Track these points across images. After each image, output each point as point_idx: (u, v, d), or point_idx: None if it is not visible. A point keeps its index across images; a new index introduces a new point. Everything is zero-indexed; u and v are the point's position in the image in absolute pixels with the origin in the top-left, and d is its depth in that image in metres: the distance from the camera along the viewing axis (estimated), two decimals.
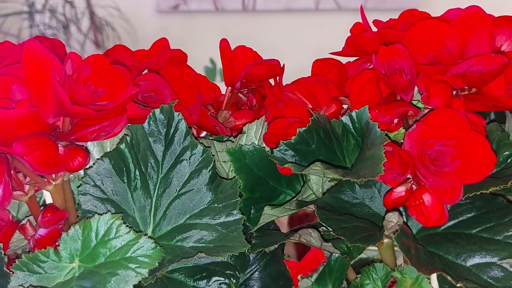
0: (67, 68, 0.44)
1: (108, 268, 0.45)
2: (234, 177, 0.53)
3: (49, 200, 0.50)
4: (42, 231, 0.48)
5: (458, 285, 0.46)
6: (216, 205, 0.51)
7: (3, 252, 0.47)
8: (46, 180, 0.48)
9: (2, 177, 0.43)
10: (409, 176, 0.49)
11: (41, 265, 0.45)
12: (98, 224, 0.46)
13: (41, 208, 0.51)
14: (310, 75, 0.60)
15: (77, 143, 0.46)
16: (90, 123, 0.44)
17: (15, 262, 0.46)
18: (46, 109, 0.42)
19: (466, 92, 0.50)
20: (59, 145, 0.45)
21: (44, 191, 0.50)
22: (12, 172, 0.45)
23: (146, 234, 0.47)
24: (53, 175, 0.48)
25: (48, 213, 0.48)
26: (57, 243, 0.46)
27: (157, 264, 0.46)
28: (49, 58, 0.42)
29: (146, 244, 0.46)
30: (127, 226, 0.46)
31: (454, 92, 0.50)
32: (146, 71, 0.60)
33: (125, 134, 0.52)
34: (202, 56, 2.44)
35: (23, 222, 0.50)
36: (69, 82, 0.43)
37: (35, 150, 0.41)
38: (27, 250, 0.52)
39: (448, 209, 0.49)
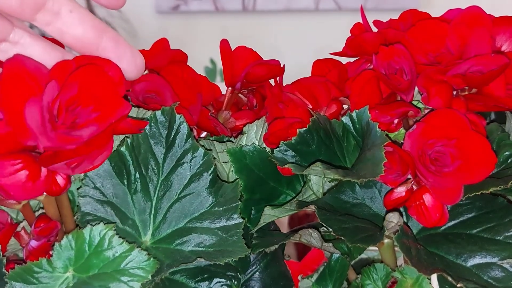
0: (50, 90, 0.40)
1: (101, 280, 0.45)
2: (235, 180, 0.52)
3: None
4: (34, 243, 0.47)
5: (458, 285, 0.46)
6: (216, 208, 0.51)
7: (1, 254, 0.47)
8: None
9: None
10: (409, 176, 0.49)
11: (35, 275, 0.45)
12: (91, 234, 0.45)
13: (38, 211, 0.51)
14: (310, 75, 0.60)
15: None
16: (67, 156, 0.41)
17: (15, 263, 0.46)
18: (21, 136, 0.40)
19: (467, 92, 0.50)
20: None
21: None
22: None
23: (139, 246, 0.46)
24: None
25: (41, 223, 0.47)
26: (50, 252, 0.46)
27: (150, 277, 0.45)
28: (30, 81, 0.40)
29: (139, 256, 0.46)
30: (119, 237, 0.46)
31: (455, 92, 0.50)
32: (146, 71, 0.60)
33: (125, 136, 0.51)
34: (202, 56, 2.44)
35: (22, 224, 0.50)
36: (48, 109, 0.40)
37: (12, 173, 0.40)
38: None
39: (449, 209, 0.49)
